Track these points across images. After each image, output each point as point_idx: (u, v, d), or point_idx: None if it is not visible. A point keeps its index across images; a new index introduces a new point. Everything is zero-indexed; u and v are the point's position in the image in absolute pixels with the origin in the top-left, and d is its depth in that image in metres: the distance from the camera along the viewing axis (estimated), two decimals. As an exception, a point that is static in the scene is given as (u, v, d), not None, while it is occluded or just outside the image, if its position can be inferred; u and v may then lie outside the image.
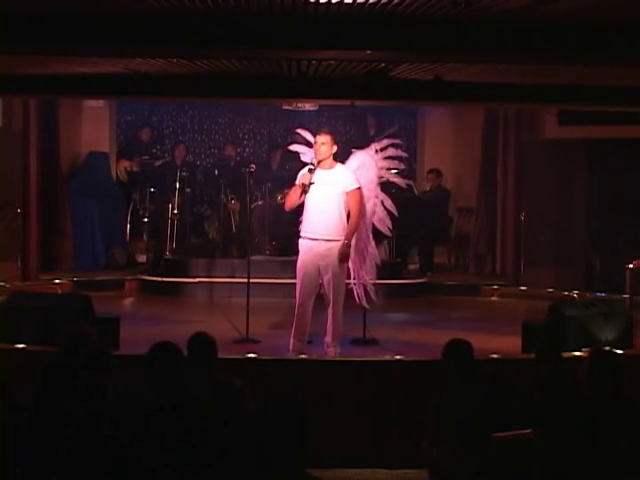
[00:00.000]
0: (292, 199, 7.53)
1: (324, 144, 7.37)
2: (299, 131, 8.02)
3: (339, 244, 7.37)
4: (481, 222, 12.96)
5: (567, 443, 4.26)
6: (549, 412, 4.40)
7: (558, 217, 12.75)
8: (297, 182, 7.50)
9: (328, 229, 7.39)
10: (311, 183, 7.36)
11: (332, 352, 7.42)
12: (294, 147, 8.09)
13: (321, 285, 7.48)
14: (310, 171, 7.38)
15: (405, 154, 8.51)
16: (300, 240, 7.49)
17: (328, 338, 7.47)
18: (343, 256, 7.40)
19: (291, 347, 7.45)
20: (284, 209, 7.92)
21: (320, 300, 7.55)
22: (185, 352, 4.75)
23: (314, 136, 7.56)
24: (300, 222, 7.59)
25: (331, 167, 7.45)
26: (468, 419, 4.78)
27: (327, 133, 7.50)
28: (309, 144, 7.76)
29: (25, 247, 11.21)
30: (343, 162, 7.69)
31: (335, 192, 7.40)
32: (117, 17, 6.09)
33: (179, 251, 11.94)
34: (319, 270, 7.39)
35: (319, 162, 7.40)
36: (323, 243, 7.37)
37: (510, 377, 5.25)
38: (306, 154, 7.83)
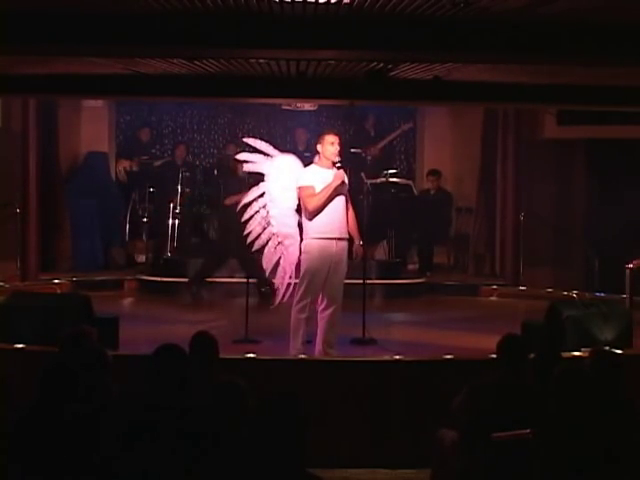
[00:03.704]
0: (324, 201, 7.24)
1: (339, 144, 7.36)
2: (248, 140, 7.90)
3: (346, 243, 7.39)
4: (480, 222, 12.96)
5: (568, 443, 4.26)
6: (559, 412, 4.39)
7: (558, 217, 12.75)
8: (316, 184, 7.26)
9: (342, 228, 7.37)
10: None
11: (333, 352, 7.38)
12: (243, 156, 7.86)
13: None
14: (339, 169, 7.31)
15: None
16: (310, 241, 7.32)
17: (329, 338, 7.36)
18: (360, 256, 7.60)
19: (296, 351, 7.31)
20: (309, 213, 7.28)
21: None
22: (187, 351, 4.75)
23: (321, 136, 7.42)
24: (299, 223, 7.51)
25: (329, 167, 7.42)
26: (505, 413, 4.73)
27: (336, 133, 7.48)
28: (262, 153, 7.69)
29: (24, 247, 11.21)
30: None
31: (344, 191, 7.41)
32: (117, 17, 6.09)
33: (179, 251, 11.94)
34: (328, 270, 7.29)
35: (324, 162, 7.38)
36: (338, 243, 7.34)
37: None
38: (256, 163, 7.71)
